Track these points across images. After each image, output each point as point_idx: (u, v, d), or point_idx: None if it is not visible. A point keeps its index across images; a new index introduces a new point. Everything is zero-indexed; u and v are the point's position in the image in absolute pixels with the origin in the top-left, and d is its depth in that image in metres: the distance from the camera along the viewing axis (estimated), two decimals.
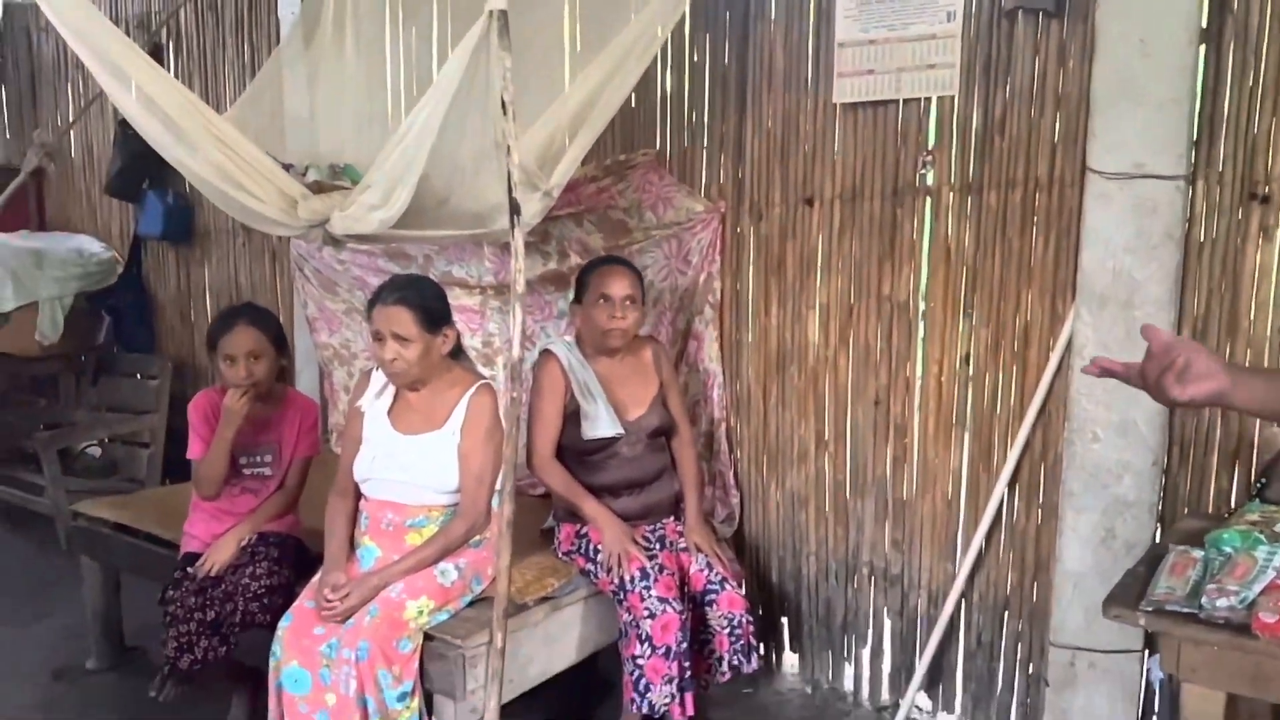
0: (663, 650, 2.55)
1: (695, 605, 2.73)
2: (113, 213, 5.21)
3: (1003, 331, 2.71)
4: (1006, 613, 2.81)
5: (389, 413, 2.60)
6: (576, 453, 2.81)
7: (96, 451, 4.86)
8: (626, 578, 2.63)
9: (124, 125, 4.78)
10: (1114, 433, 2.43)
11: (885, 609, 3.03)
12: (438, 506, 2.55)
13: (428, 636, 2.43)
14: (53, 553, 4.27)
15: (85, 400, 5.05)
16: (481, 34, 2.33)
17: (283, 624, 2.45)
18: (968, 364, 2.78)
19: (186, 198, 4.79)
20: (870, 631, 3.07)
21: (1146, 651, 2.52)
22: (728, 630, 2.68)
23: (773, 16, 3.00)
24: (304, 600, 2.52)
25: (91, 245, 5.15)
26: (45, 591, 3.96)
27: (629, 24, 2.83)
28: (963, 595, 2.84)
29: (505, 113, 2.30)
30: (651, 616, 2.56)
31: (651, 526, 2.85)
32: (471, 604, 2.57)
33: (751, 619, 2.72)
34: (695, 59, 3.19)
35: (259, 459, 2.92)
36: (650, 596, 2.59)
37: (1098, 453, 2.46)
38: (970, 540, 2.82)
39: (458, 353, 2.66)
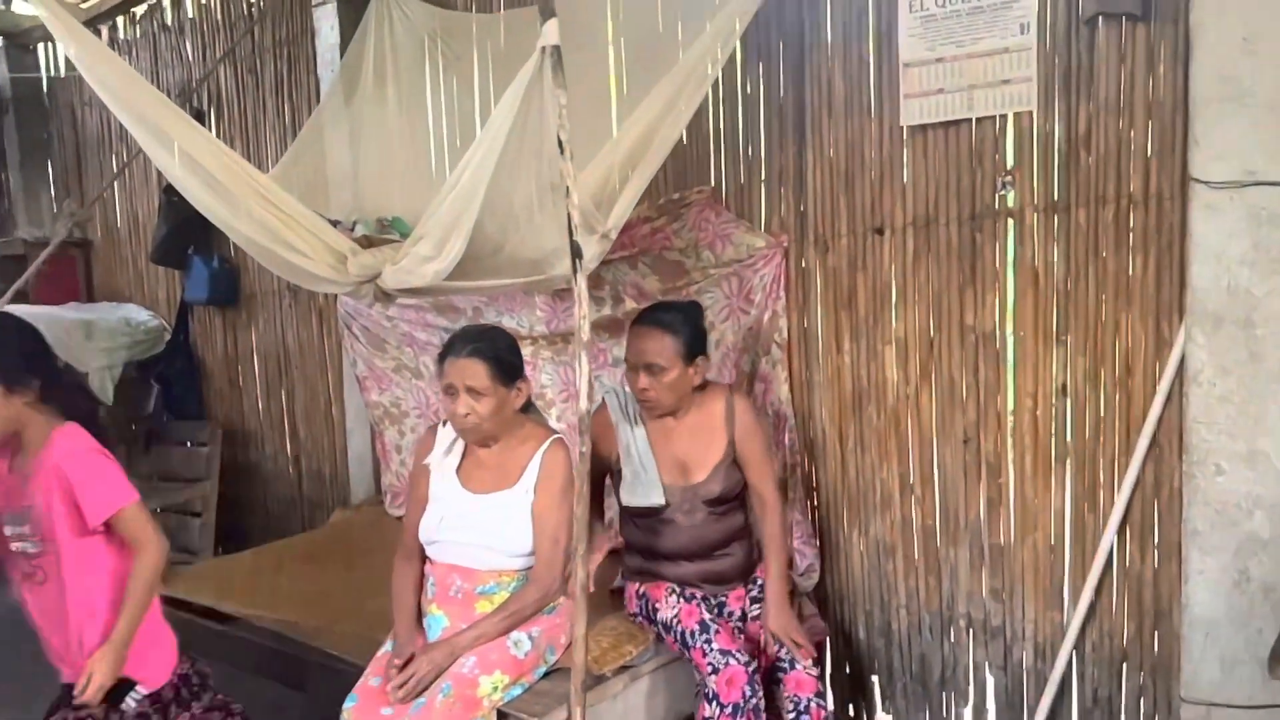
0: (730, 709, 2.38)
1: (764, 682, 2.52)
2: (159, 280, 5.19)
3: (1102, 359, 2.51)
4: (1125, 665, 2.58)
5: (458, 470, 2.46)
6: (629, 514, 2.65)
7: None
8: (686, 632, 2.48)
9: (168, 192, 4.77)
10: (1240, 464, 2.21)
11: (987, 663, 2.80)
12: (509, 571, 2.40)
13: (501, 714, 2.26)
14: None
15: (137, 470, 4.98)
16: (534, 72, 2.23)
17: (347, 705, 2.29)
18: (1065, 395, 2.58)
19: (232, 261, 4.75)
20: (971, 689, 2.84)
21: None
22: (793, 714, 2.49)
23: (830, 41, 2.87)
24: (369, 677, 2.36)
25: (139, 314, 5.13)
26: None
27: (677, 63, 2.72)
28: (1075, 647, 2.60)
29: (563, 151, 2.18)
30: (715, 671, 2.41)
31: (717, 593, 2.65)
32: (546, 675, 2.40)
33: (823, 703, 2.53)
34: (749, 91, 3.06)
35: (20, 530, 2.14)
36: (712, 650, 2.44)
37: (1223, 486, 2.24)
38: (1078, 587, 2.60)
39: (528, 407, 2.53)
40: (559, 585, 2.38)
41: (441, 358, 2.40)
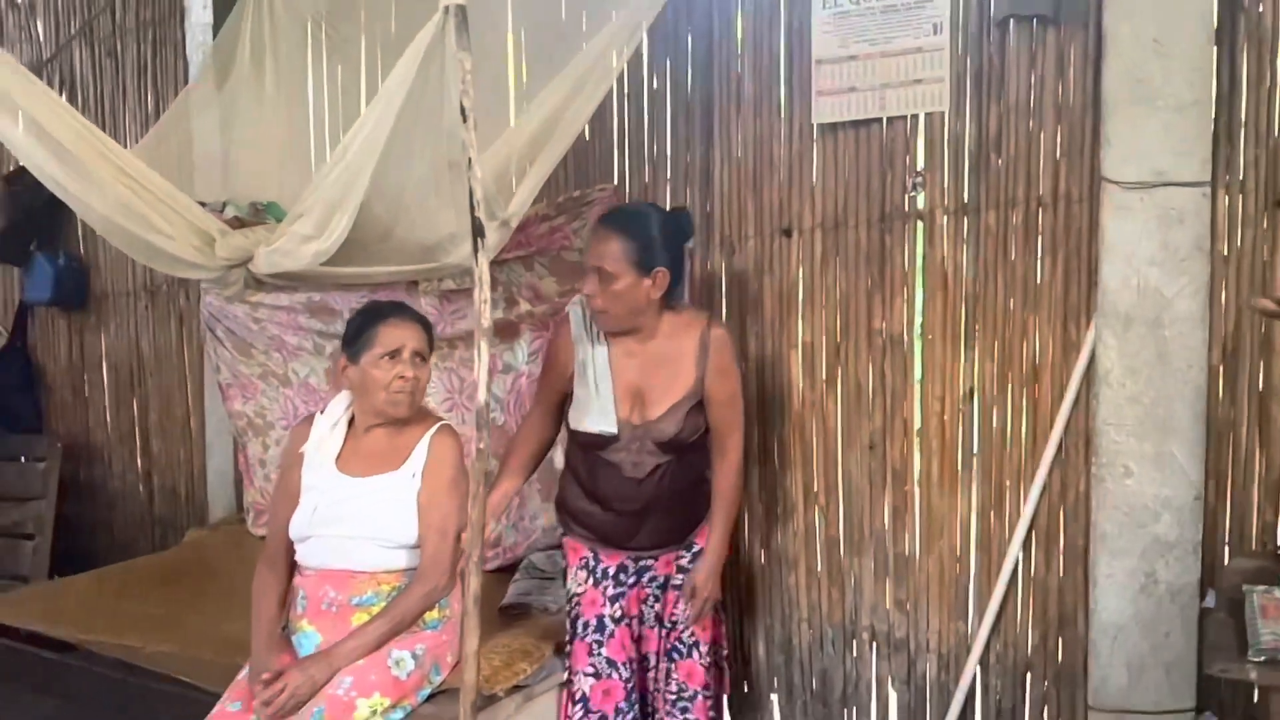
0: (597, 717, 2.29)
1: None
2: None
3: (1010, 363, 2.49)
4: (1029, 675, 2.53)
5: (337, 459, 2.22)
6: (577, 441, 2.37)
7: None
8: (580, 620, 2.34)
9: (8, 181, 4.34)
10: (1149, 465, 2.21)
11: (890, 678, 2.72)
12: (387, 576, 2.16)
13: None
14: None
15: None
16: (435, 34, 2.06)
17: None
18: (972, 400, 2.54)
19: (80, 259, 4.34)
20: (874, 705, 2.75)
21: (1196, 711, 2.26)
22: (675, 700, 2.35)
23: (740, 37, 2.80)
24: (226, 703, 2.08)
25: None
26: None
27: (580, 52, 2.60)
28: (979, 659, 2.55)
29: (465, 120, 2.01)
30: (596, 676, 2.30)
31: (642, 557, 2.38)
32: (430, 698, 2.18)
33: (709, 697, 2.39)
34: (655, 86, 2.97)
35: None
36: (599, 654, 2.31)
37: (1132, 489, 2.23)
38: (984, 596, 2.55)
39: None
40: (447, 583, 2.16)
41: (371, 323, 2.18)
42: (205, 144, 3.41)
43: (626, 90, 2.99)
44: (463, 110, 2.02)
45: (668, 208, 2.59)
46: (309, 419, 2.29)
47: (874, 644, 2.73)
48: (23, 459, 4.40)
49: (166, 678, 2.38)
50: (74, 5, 4.31)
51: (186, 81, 3.80)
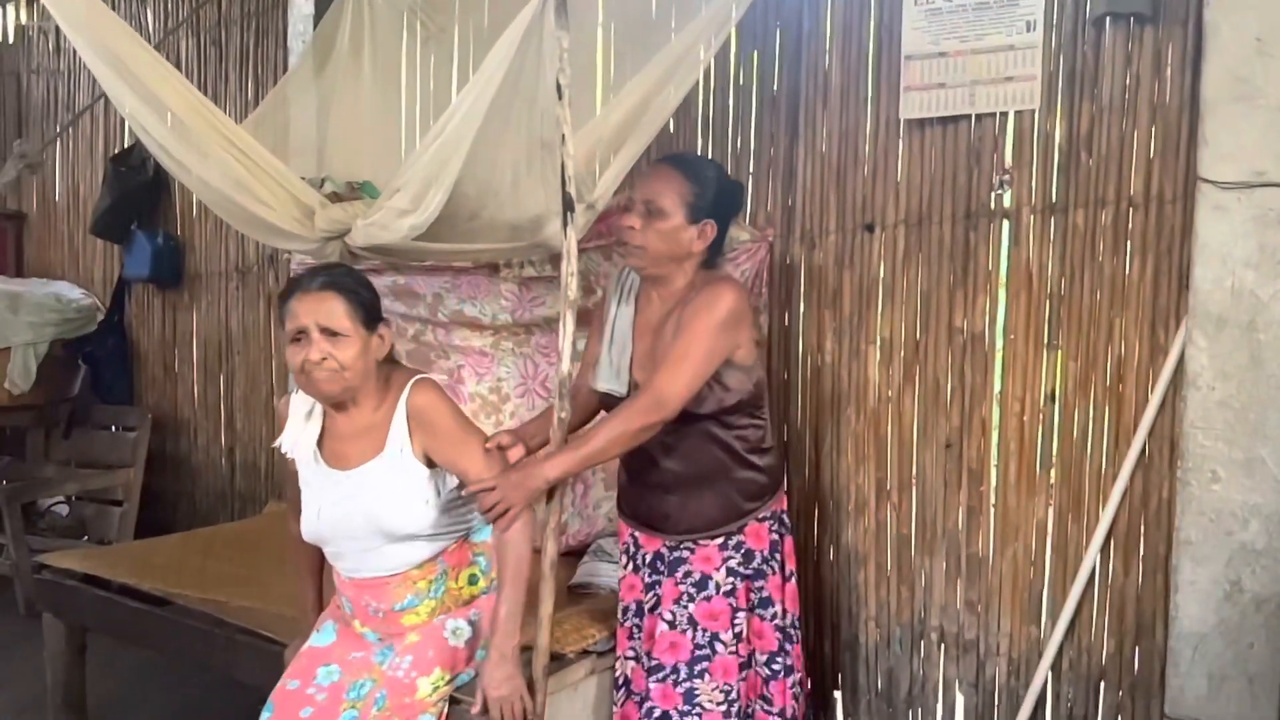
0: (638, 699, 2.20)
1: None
2: (96, 257, 4.92)
3: (1094, 365, 2.45)
4: (1103, 683, 2.48)
5: (319, 446, 2.07)
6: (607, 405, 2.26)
7: (64, 509, 4.47)
8: (620, 606, 2.30)
9: (115, 162, 4.56)
10: (1238, 471, 2.16)
11: (958, 680, 2.68)
12: (418, 574, 2.06)
13: (454, 700, 2.06)
14: (10, 617, 3.85)
15: (55, 454, 4.68)
16: (534, 14, 2.12)
17: (264, 716, 2.03)
18: (1053, 402, 2.51)
19: (177, 238, 4.53)
20: (940, 706, 2.72)
21: None
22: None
23: (829, 32, 2.81)
24: (287, 681, 2.09)
25: (71, 291, 4.85)
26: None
27: (668, 44, 2.64)
28: (1051, 665, 2.51)
29: (560, 97, 2.07)
30: (636, 659, 2.24)
31: (676, 548, 2.20)
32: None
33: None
34: (741, 80, 2.99)
35: None
36: (637, 638, 2.26)
37: (1219, 494, 2.18)
38: (1058, 601, 2.51)
39: (391, 361, 2.13)
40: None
41: (285, 298, 1.98)
42: (302, 127, 3.53)
43: (713, 81, 3.02)
44: (559, 87, 2.08)
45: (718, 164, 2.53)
46: (285, 401, 2.16)
47: (942, 645, 2.70)
48: (114, 429, 4.61)
49: (249, 631, 2.46)
50: None
51: (286, 70, 3.94)
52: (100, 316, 4.77)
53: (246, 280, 4.27)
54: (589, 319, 3.21)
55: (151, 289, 4.65)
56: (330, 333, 1.93)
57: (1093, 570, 2.46)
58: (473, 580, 2.15)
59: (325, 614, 2.22)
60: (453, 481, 2.07)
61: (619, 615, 2.30)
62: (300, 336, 1.94)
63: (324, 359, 1.92)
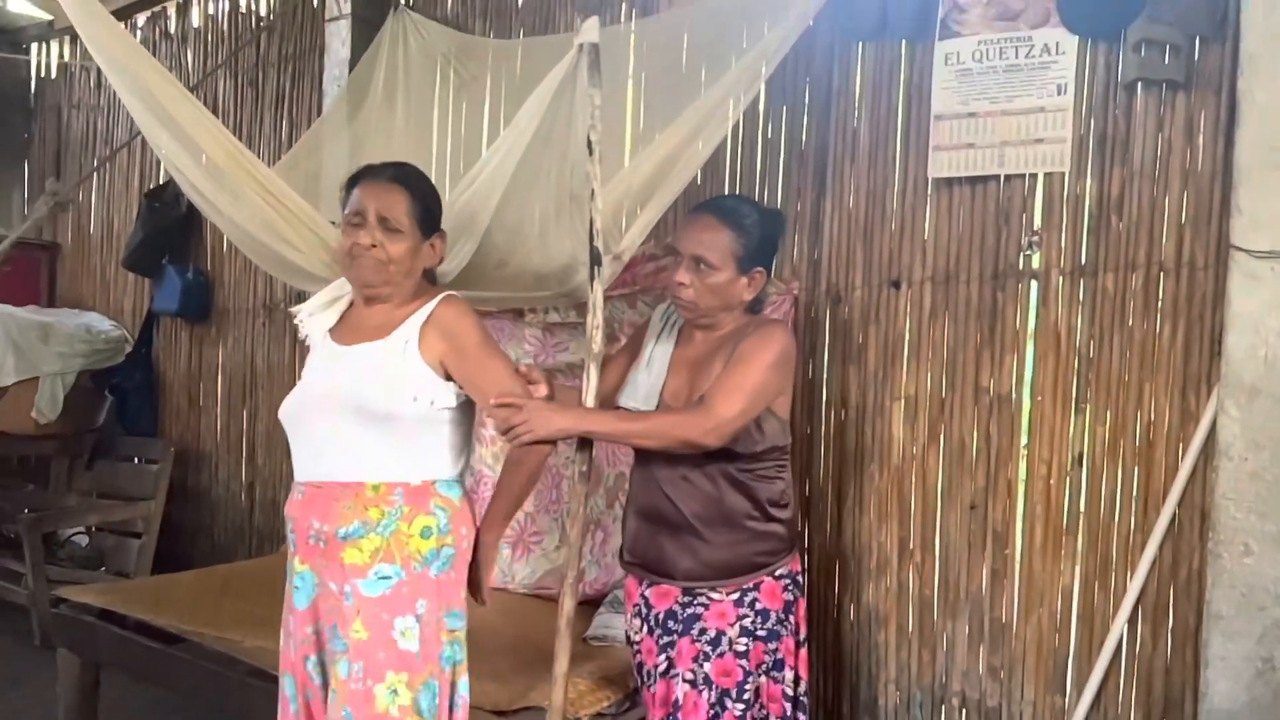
0: None
1: None
2: (126, 290, 5.00)
3: (1122, 429, 2.42)
4: None
5: (331, 331, 2.05)
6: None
7: (83, 540, 4.48)
8: (645, 668, 2.17)
9: (149, 197, 4.64)
10: (1271, 545, 2.11)
11: None
12: (374, 496, 1.89)
13: None
14: (25, 648, 3.85)
15: (78, 484, 4.72)
16: (568, 70, 2.14)
17: None
18: (1081, 465, 2.48)
19: (206, 274, 4.59)
20: None
21: None
22: None
23: (858, 90, 2.83)
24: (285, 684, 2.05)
25: (101, 323, 4.92)
26: (14, 691, 3.53)
27: (698, 99, 2.66)
28: None
29: (591, 153, 2.09)
30: None
31: (683, 594, 2.12)
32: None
33: None
34: (769, 134, 3.01)
35: None
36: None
37: (1251, 568, 2.13)
38: (1083, 669, 2.46)
39: (432, 277, 2.13)
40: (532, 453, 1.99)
41: (352, 183, 2.01)
42: (334, 171, 3.57)
43: (741, 135, 3.04)
44: (590, 144, 2.10)
45: (759, 204, 2.42)
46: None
47: (964, 710, 2.65)
48: (137, 460, 4.64)
49: (264, 674, 2.44)
50: (223, 37, 4.60)
51: (320, 112, 4.00)
52: (128, 348, 4.82)
53: (273, 317, 4.31)
54: (609, 364, 3.24)
55: (179, 323, 4.70)
56: (386, 224, 1.93)
57: (1120, 640, 2.41)
58: (425, 533, 1.92)
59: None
60: (452, 400, 1.96)
61: (641, 678, 2.22)
62: (357, 220, 1.95)
63: (373, 246, 1.93)
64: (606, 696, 2.31)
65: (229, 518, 4.51)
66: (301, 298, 4.02)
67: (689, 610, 2.13)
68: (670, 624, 2.14)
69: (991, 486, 2.60)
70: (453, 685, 1.95)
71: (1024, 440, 2.56)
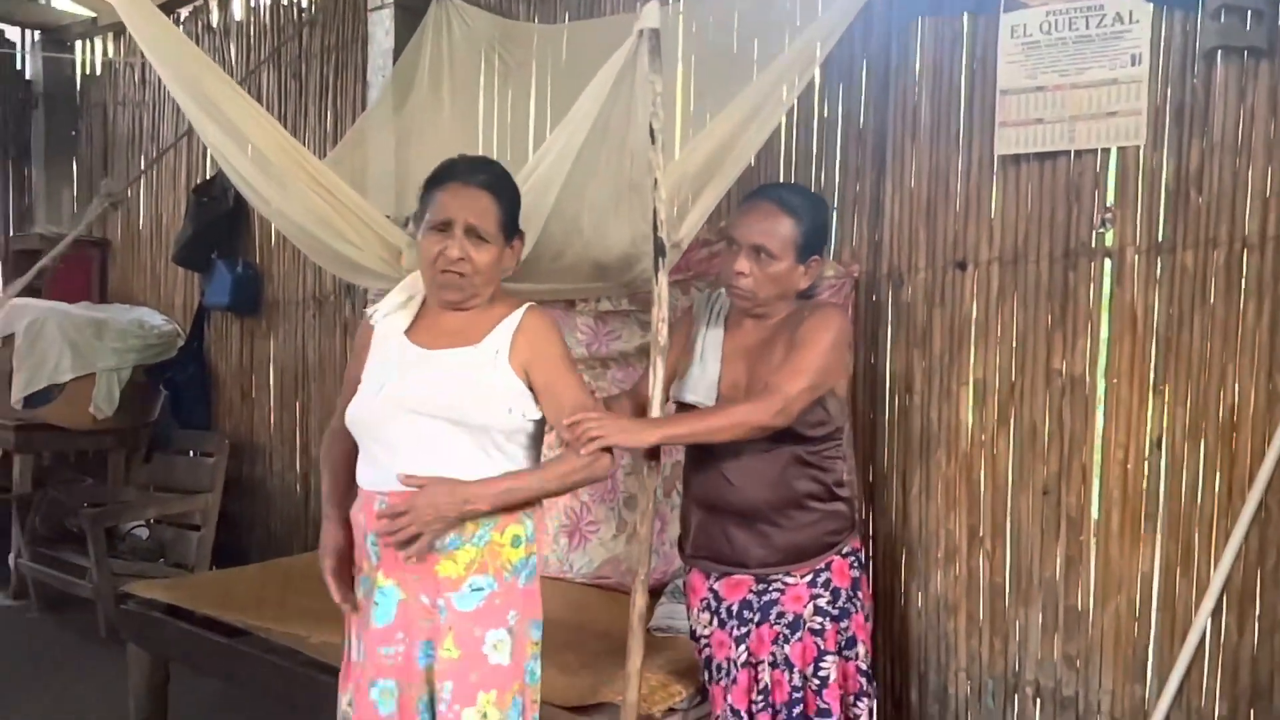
0: None
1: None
2: (177, 285, 5.03)
3: (1204, 412, 2.35)
4: None
5: (406, 332, 1.93)
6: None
7: (144, 533, 4.54)
8: (714, 662, 2.17)
9: (198, 192, 4.66)
10: None
11: None
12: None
13: None
14: (92, 641, 3.91)
15: (135, 478, 4.78)
16: (628, 57, 2.09)
17: None
18: (1159, 449, 2.40)
19: (256, 267, 4.60)
20: None
21: None
22: None
23: (918, 67, 2.75)
24: (341, 697, 1.96)
25: (153, 318, 4.96)
26: (81, 684, 3.59)
27: (750, 84, 2.59)
28: None
29: (654, 141, 2.04)
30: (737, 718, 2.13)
31: (756, 582, 2.12)
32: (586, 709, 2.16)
33: None
34: (826, 114, 2.94)
35: None
36: (727, 702, 2.14)
37: None
38: (1164, 658, 2.40)
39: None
40: (605, 461, 1.89)
41: (436, 182, 1.88)
42: (381, 162, 3.57)
43: (796, 115, 2.97)
44: (651, 131, 2.06)
45: (811, 191, 2.49)
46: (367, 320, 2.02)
47: (1038, 699, 2.60)
48: (193, 454, 4.68)
49: (329, 668, 2.45)
50: (265, 30, 4.59)
51: (365, 103, 3.98)
52: (181, 343, 4.86)
53: (323, 309, 4.32)
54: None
55: (230, 317, 4.72)
56: (475, 233, 1.83)
57: (1204, 629, 2.34)
58: (515, 542, 1.87)
59: (348, 624, 1.98)
60: (537, 412, 1.89)
61: (712, 673, 2.20)
62: (443, 228, 1.82)
63: (461, 258, 1.82)
64: (679, 691, 2.28)
65: (284, 509, 4.54)
66: (351, 290, 4.10)
67: (765, 597, 2.13)
68: (745, 614, 2.13)
69: (1065, 471, 2.53)
70: (533, 701, 1.90)
71: (1099, 424, 2.49)
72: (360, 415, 1.86)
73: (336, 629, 2.63)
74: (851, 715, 2.14)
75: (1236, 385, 2.30)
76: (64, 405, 4.48)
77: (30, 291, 4.69)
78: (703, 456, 2.15)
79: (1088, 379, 2.49)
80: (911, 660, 2.80)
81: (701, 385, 2.14)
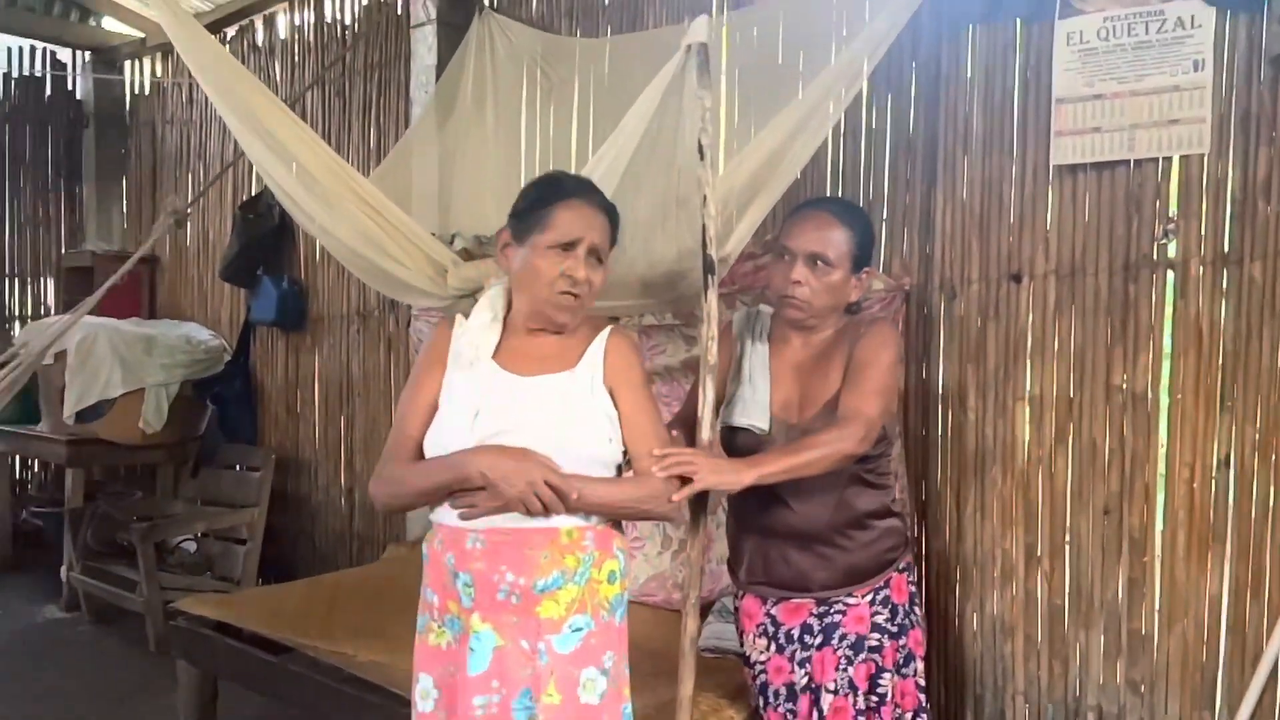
0: None
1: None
2: (223, 300, 5.09)
3: (1275, 428, 2.26)
4: None
5: (493, 355, 1.79)
6: (729, 454, 2.12)
7: (192, 547, 4.58)
8: (770, 689, 2.12)
9: (244, 209, 4.71)
10: None
11: None
12: (570, 542, 1.70)
13: None
14: (141, 654, 3.95)
15: (184, 492, 4.83)
16: (676, 72, 2.07)
17: None
18: (1228, 467, 2.32)
19: (301, 283, 4.64)
20: None
21: None
22: None
23: (970, 75, 2.70)
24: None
25: (201, 333, 5.03)
26: (131, 698, 3.62)
27: (796, 97, 2.56)
28: None
29: (703, 157, 2.01)
30: None
31: (818, 605, 2.09)
32: None
33: None
34: (874, 125, 2.89)
35: None
36: None
37: None
38: (1235, 685, 2.31)
39: None
40: (677, 505, 1.79)
41: (550, 199, 1.77)
42: (425, 179, 3.58)
43: (843, 126, 2.92)
44: (700, 148, 2.02)
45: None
46: (450, 319, 1.88)
47: None
48: (239, 468, 4.72)
49: (377, 688, 2.44)
50: (309, 48, 4.64)
51: (408, 119, 4.00)
52: (227, 358, 4.92)
53: (367, 324, 4.34)
54: (695, 365, 3.16)
55: (275, 332, 4.77)
56: (596, 256, 1.76)
57: (1277, 654, 2.25)
58: (611, 578, 1.78)
59: (417, 662, 1.83)
60: (621, 444, 1.80)
61: (767, 699, 2.15)
62: (570, 246, 1.73)
63: (586, 280, 1.74)
64: (731, 716, 2.24)
65: (330, 523, 4.57)
66: (394, 305, 4.11)
67: (827, 620, 2.09)
68: (806, 638, 2.10)
69: (1127, 490, 2.46)
70: None
71: (1163, 441, 2.41)
72: (451, 447, 1.70)
73: (382, 648, 2.64)
74: None
75: None
76: (114, 420, 4.54)
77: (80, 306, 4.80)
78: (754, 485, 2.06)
79: (1150, 395, 2.42)
80: (967, 683, 2.73)
81: (754, 408, 2.10)
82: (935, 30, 2.73)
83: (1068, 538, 2.55)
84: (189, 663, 2.99)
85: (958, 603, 2.74)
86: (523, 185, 3.30)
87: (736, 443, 2.11)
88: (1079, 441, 2.52)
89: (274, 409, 4.83)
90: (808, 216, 2.09)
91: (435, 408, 1.75)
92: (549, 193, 1.79)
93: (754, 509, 2.12)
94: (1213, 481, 2.34)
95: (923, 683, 2.15)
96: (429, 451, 1.73)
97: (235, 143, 3.75)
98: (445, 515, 1.74)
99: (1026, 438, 2.60)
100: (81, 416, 4.49)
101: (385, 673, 2.50)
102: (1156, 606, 2.42)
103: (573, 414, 1.72)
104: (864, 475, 2.06)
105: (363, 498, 4.41)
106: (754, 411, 2.09)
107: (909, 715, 2.13)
